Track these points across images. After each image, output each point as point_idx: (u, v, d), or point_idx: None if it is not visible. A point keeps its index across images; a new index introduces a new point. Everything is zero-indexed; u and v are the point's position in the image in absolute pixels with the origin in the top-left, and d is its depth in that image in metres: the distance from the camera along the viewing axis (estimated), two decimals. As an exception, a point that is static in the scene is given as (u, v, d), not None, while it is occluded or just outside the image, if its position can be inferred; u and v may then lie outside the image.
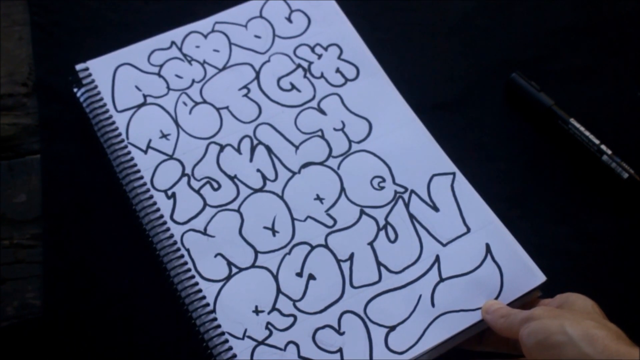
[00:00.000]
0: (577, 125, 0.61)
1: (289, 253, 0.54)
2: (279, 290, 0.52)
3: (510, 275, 0.53)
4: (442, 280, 0.53)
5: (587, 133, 0.61)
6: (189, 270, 0.53)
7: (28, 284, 0.55)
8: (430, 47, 0.67)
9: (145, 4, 0.67)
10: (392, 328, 0.51)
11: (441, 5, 0.69)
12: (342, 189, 0.57)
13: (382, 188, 0.57)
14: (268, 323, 0.51)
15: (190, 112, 0.60)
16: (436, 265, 0.53)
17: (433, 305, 0.52)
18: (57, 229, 0.57)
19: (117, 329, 0.53)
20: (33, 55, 0.64)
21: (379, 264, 0.54)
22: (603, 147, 0.60)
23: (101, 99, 0.60)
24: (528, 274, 0.53)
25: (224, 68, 0.62)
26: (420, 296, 0.52)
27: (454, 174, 0.57)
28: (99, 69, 0.61)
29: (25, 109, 0.62)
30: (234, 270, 0.53)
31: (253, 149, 0.59)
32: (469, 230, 0.55)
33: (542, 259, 0.53)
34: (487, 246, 0.54)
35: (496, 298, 0.52)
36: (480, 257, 0.54)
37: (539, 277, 0.52)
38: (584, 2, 0.70)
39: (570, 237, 0.58)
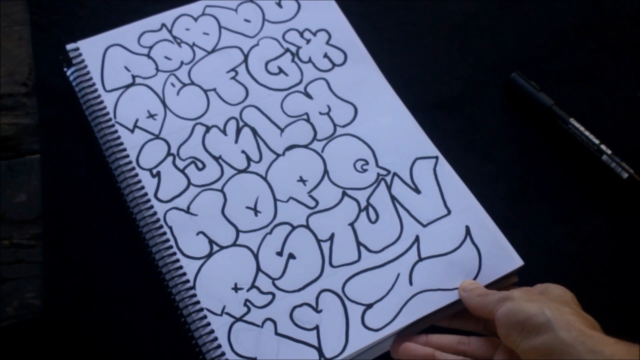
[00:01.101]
0: (577, 125, 0.61)
1: (270, 233, 0.54)
2: (258, 269, 0.53)
3: (488, 257, 0.53)
4: (420, 259, 0.53)
5: (587, 133, 0.61)
6: (170, 247, 0.53)
7: (28, 284, 0.55)
8: (430, 47, 0.67)
9: (144, 4, 0.67)
10: (369, 306, 0.51)
11: (441, 5, 0.69)
12: (325, 172, 0.57)
13: (365, 171, 0.57)
14: (247, 300, 0.51)
15: (177, 93, 0.61)
16: (415, 245, 0.54)
17: (411, 283, 0.52)
18: (57, 229, 0.57)
19: (117, 329, 0.53)
20: (33, 55, 0.64)
21: (358, 243, 0.54)
22: (603, 147, 0.60)
23: (90, 79, 0.60)
24: (506, 258, 0.53)
25: (213, 51, 0.63)
26: (398, 275, 0.52)
27: (436, 157, 0.58)
28: (90, 49, 0.62)
29: (25, 109, 0.62)
30: (215, 248, 0.53)
31: (239, 131, 0.59)
32: (449, 212, 0.55)
33: (542, 259, 0.53)
34: (467, 228, 0.54)
35: (474, 279, 0.52)
36: (459, 238, 0.54)
37: (517, 261, 0.53)
38: (584, 2, 0.70)
39: (570, 237, 0.58)
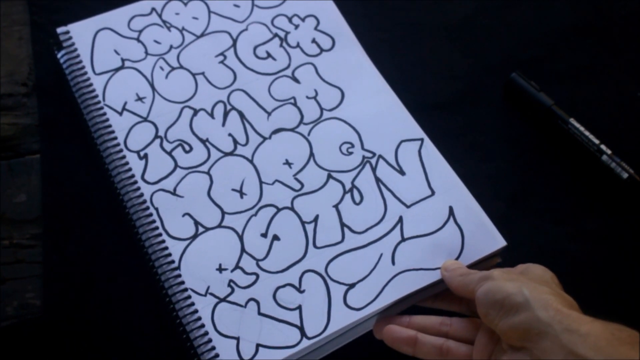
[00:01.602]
0: (577, 125, 0.61)
1: (255, 214, 0.55)
2: (243, 250, 0.53)
3: (471, 238, 0.53)
4: (403, 240, 0.53)
5: (586, 133, 0.61)
6: (156, 228, 0.54)
7: (28, 284, 0.55)
8: (430, 47, 0.67)
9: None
10: (351, 286, 0.51)
11: (441, 5, 0.69)
12: (311, 154, 0.58)
13: (351, 153, 0.58)
14: (230, 281, 0.52)
15: (166, 77, 0.61)
16: (399, 225, 0.54)
17: (393, 263, 0.52)
18: (57, 229, 0.56)
19: (117, 329, 0.53)
20: (33, 55, 0.64)
21: (342, 225, 0.54)
22: (603, 147, 0.60)
23: (80, 62, 0.61)
24: (489, 238, 0.53)
25: (202, 35, 0.63)
26: (381, 255, 0.53)
27: (422, 139, 0.58)
28: (80, 33, 0.62)
29: (25, 109, 0.62)
30: (201, 229, 0.54)
31: (226, 114, 0.59)
32: (433, 193, 0.56)
33: (542, 259, 0.53)
34: (450, 209, 0.54)
35: (456, 259, 0.52)
36: (443, 219, 0.54)
37: (499, 242, 0.53)
38: (584, 2, 0.70)
39: (570, 237, 0.58)
